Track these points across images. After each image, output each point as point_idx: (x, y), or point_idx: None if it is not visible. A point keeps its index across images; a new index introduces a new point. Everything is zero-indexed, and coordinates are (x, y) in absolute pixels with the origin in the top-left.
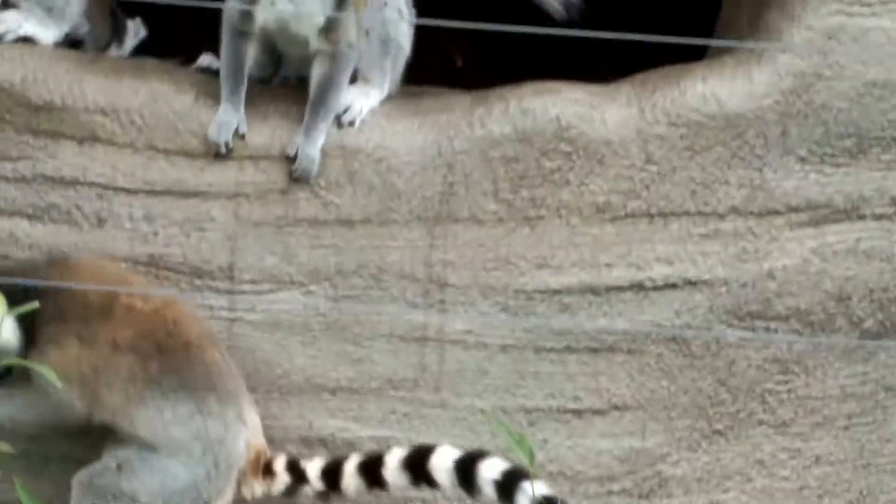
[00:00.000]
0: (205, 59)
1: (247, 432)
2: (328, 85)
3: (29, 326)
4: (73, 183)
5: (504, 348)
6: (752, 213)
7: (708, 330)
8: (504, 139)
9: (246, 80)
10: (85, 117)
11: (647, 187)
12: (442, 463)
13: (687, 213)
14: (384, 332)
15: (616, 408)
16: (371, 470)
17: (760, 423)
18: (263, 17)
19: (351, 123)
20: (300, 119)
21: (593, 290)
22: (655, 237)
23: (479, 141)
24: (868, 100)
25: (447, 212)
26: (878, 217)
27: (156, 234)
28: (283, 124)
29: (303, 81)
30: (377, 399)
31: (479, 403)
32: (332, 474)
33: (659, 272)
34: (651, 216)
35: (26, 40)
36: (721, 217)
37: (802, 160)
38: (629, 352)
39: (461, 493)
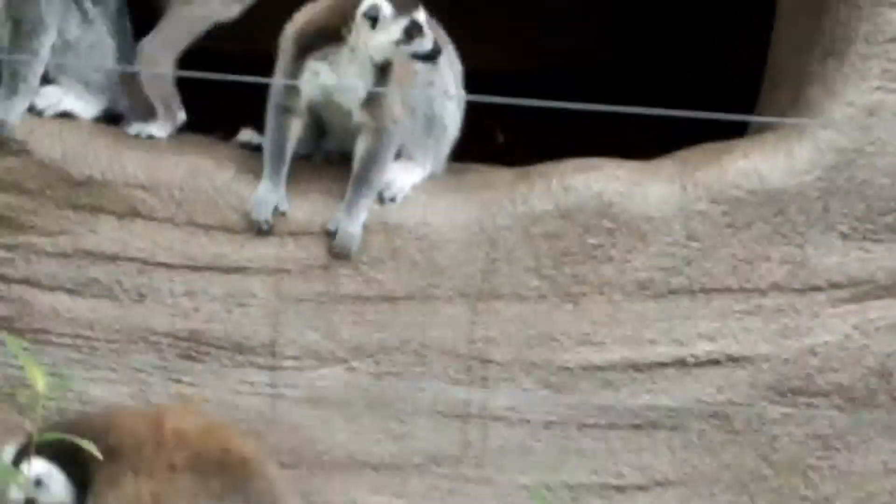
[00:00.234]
0: (245, 134)
1: None
2: (371, 161)
3: (82, 477)
4: (114, 258)
5: (547, 425)
6: (793, 289)
7: (750, 406)
8: (546, 216)
9: (289, 157)
10: (125, 192)
11: (690, 263)
12: None
13: (729, 289)
14: (427, 409)
15: (659, 484)
16: None
17: (803, 498)
18: (308, 89)
19: (393, 199)
20: (341, 195)
21: (636, 367)
22: (698, 313)
23: (522, 217)
24: None
25: (489, 288)
26: None
27: (197, 309)
28: (325, 200)
29: (345, 157)
30: (420, 475)
31: (522, 480)
32: None
33: (701, 348)
34: (693, 292)
35: (66, 115)
36: (763, 293)
37: (844, 236)
38: (672, 428)
39: None
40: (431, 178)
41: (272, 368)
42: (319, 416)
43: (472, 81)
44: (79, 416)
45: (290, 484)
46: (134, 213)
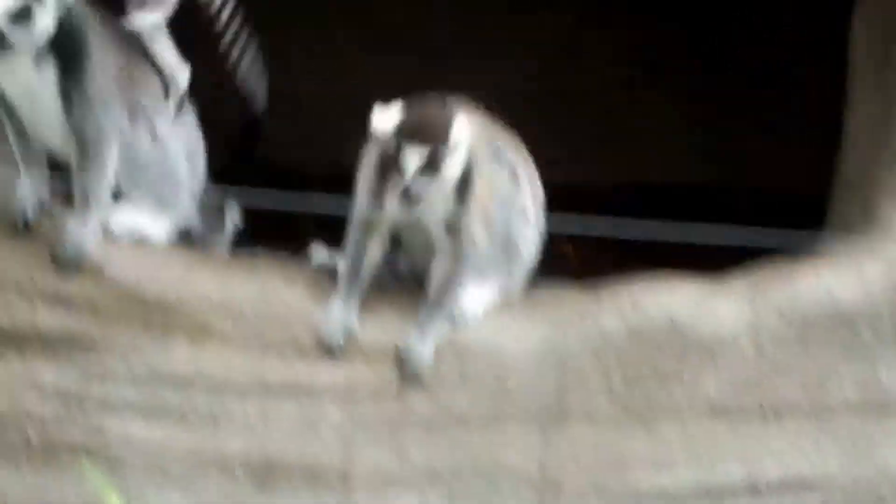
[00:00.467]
0: (317, 252)
1: None
2: (447, 283)
3: None
4: (187, 380)
5: None
6: (865, 409)
7: None
8: (617, 335)
9: (364, 278)
10: (197, 313)
11: (760, 383)
12: None
13: (800, 408)
14: None
15: None
16: None
17: None
18: (390, 210)
19: (464, 321)
20: (414, 316)
21: (708, 491)
22: (769, 434)
23: (592, 336)
24: None
25: (560, 409)
26: None
27: (269, 432)
28: (397, 321)
29: (419, 278)
30: None
31: None
32: None
33: (773, 470)
34: (764, 412)
35: (139, 236)
36: (835, 413)
37: None
38: None
39: None
40: (504, 299)
41: (344, 492)
42: None
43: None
44: None
45: None
46: (207, 335)
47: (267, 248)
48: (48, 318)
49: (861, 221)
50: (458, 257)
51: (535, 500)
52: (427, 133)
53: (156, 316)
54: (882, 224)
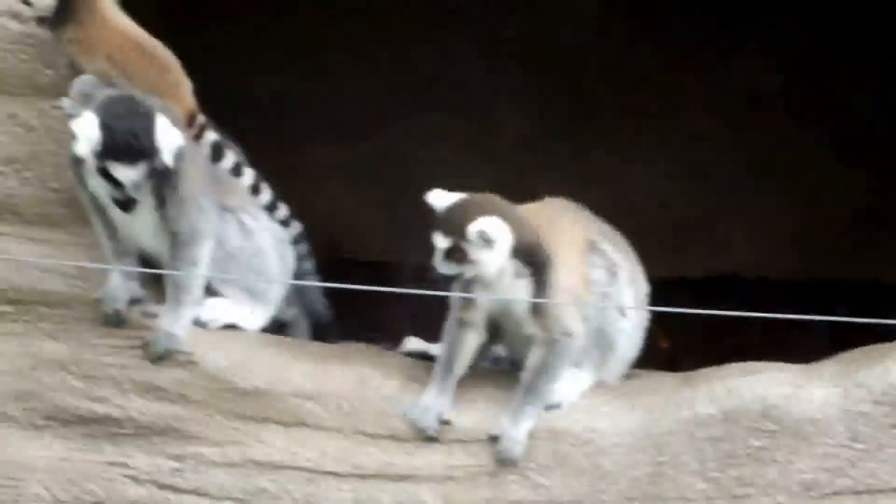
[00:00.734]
0: (411, 343)
1: None
2: (542, 370)
3: None
4: (282, 467)
5: None
6: None
7: None
8: (710, 419)
9: (460, 368)
10: (292, 402)
11: (854, 465)
12: None
13: (894, 490)
14: None
15: None
16: None
17: None
18: (485, 299)
19: (559, 406)
20: (508, 403)
21: None
22: None
23: (686, 421)
24: None
25: (655, 492)
26: None
27: None
28: (492, 408)
29: (515, 365)
30: None
31: None
32: None
33: None
34: (858, 494)
35: (232, 326)
36: None
37: None
38: None
39: None
40: (600, 386)
41: None
42: None
43: None
44: None
45: None
46: (301, 423)
47: (362, 339)
48: (142, 408)
49: None
50: (550, 345)
51: None
52: (449, 226)
53: (250, 404)
54: None
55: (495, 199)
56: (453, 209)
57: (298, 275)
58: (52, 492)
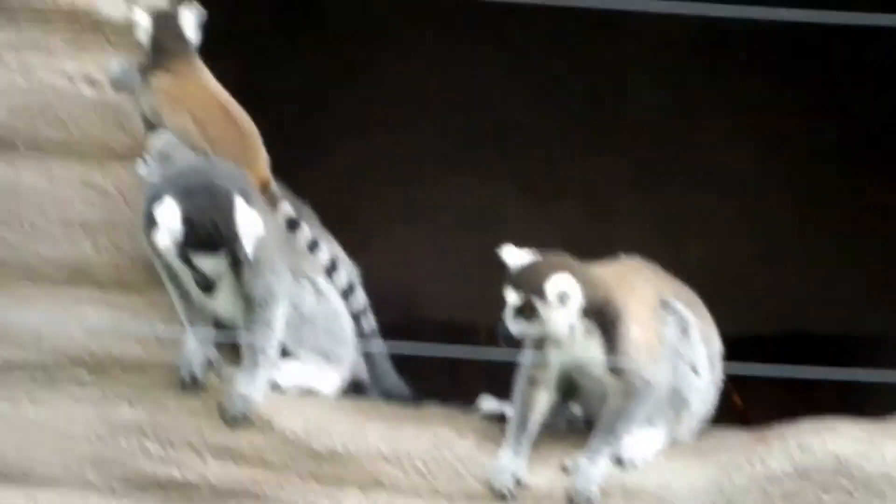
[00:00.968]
0: (485, 402)
1: None
2: (618, 413)
3: None
4: None
5: None
6: None
7: None
8: (783, 476)
9: (533, 427)
10: (368, 464)
11: None
12: None
13: None
14: None
15: None
16: None
17: None
18: (556, 357)
19: (632, 464)
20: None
21: None
22: None
23: (759, 478)
24: None
25: None
26: None
27: None
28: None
29: (589, 424)
30: None
31: None
32: None
33: None
34: None
35: (307, 389)
36: None
37: None
38: None
39: None
40: (672, 442)
41: None
42: None
43: None
44: None
45: None
46: (378, 485)
47: (436, 400)
48: (219, 471)
49: None
50: (627, 394)
51: None
52: (521, 282)
53: (326, 467)
54: None
55: (566, 257)
56: (526, 266)
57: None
58: None
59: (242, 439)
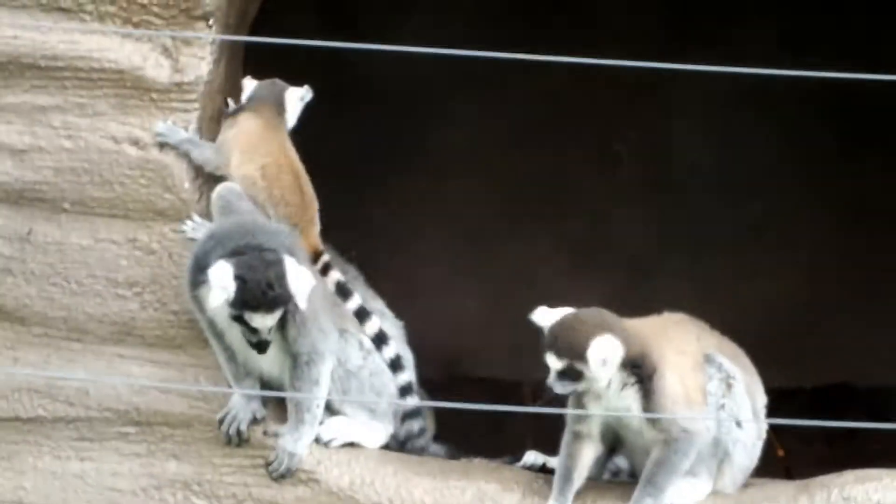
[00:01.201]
0: (530, 457)
1: None
2: (661, 464)
3: None
4: None
5: None
6: None
7: None
8: None
9: (577, 480)
10: None
11: None
12: None
13: None
14: None
15: None
16: None
17: None
18: (596, 409)
19: None
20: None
21: None
22: None
23: None
24: None
25: None
26: None
27: None
28: None
29: (634, 477)
30: None
31: None
32: None
33: None
34: None
35: (352, 444)
36: None
37: None
38: None
39: None
40: (716, 493)
41: None
42: None
43: None
44: None
45: None
46: None
47: (483, 455)
48: None
49: None
50: (670, 443)
51: None
52: (563, 348)
53: None
54: None
55: (602, 314)
56: (564, 330)
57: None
58: None
59: (288, 494)
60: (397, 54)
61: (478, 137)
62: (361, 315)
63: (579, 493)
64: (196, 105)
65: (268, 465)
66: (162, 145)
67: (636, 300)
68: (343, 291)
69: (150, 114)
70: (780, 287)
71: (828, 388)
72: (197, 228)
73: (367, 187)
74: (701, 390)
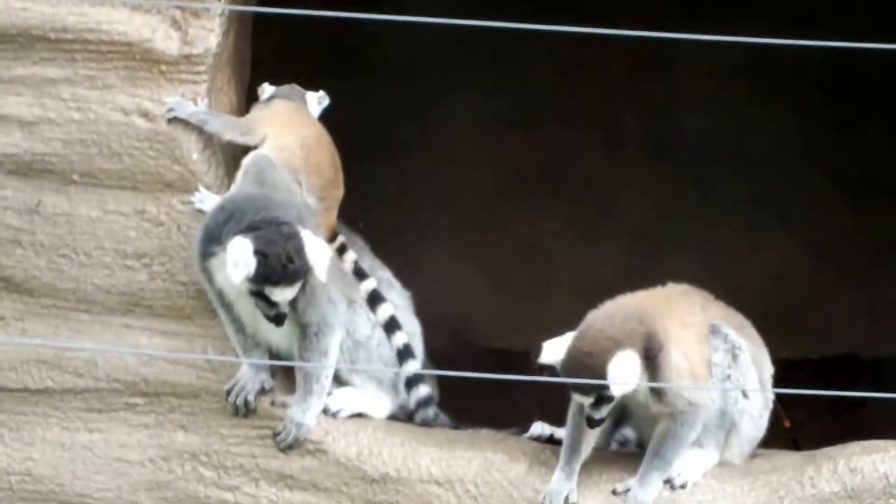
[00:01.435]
0: (537, 427)
1: None
2: (668, 437)
3: None
4: None
5: None
6: None
7: None
8: (834, 497)
9: (584, 451)
10: (420, 488)
11: None
12: None
13: None
14: None
15: None
16: None
17: None
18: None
19: (683, 486)
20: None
21: None
22: None
23: (809, 500)
24: None
25: None
26: None
27: None
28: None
29: (642, 447)
30: None
31: None
32: None
33: None
34: None
35: (360, 415)
36: None
37: None
38: None
39: None
40: (723, 464)
41: None
42: None
43: None
44: None
45: None
46: None
47: (489, 425)
48: (272, 496)
49: None
50: (676, 416)
51: None
52: (587, 386)
53: (379, 491)
54: None
55: (604, 324)
56: (577, 367)
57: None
58: None
59: (296, 465)
60: (402, 29)
61: (486, 110)
62: (374, 299)
63: (586, 464)
64: (205, 77)
65: (275, 435)
66: (171, 119)
67: (642, 272)
68: (359, 273)
69: (160, 86)
70: (787, 258)
71: (834, 358)
72: (204, 200)
73: (372, 162)
74: (705, 363)
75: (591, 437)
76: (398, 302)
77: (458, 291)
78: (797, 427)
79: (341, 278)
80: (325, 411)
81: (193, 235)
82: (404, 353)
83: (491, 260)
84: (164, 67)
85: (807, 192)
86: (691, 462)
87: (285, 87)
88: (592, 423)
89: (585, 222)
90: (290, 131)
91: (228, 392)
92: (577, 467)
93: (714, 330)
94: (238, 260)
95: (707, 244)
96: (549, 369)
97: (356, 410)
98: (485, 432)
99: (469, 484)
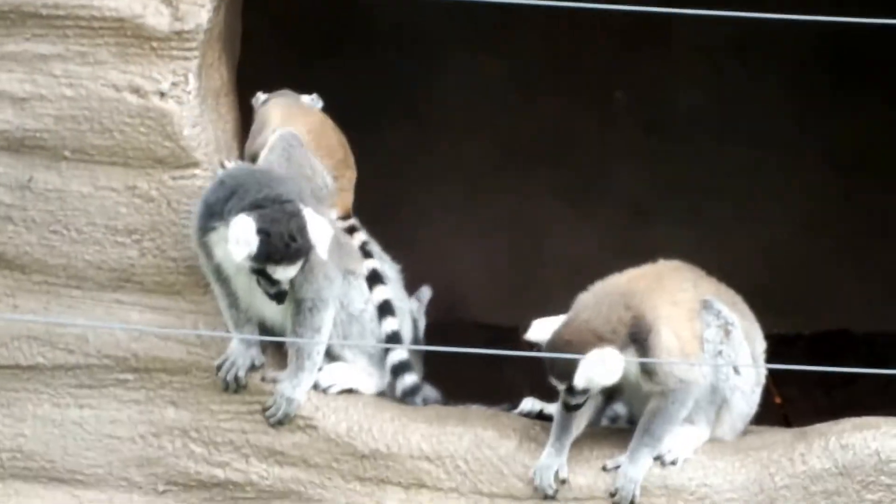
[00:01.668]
0: (527, 403)
1: None
2: (658, 413)
3: None
4: None
5: None
6: None
7: None
8: (825, 474)
9: (575, 427)
10: (410, 464)
11: None
12: None
13: None
14: None
15: None
16: None
17: None
18: None
19: (674, 463)
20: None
21: None
22: None
23: (801, 476)
24: None
25: None
26: None
27: None
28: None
29: (633, 423)
30: None
31: None
32: None
33: None
34: None
35: (351, 391)
36: None
37: None
38: None
39: None
40: (714, 441)
41: None
42: None
43: None
44: None
45: None
46: (420, 485)
47: (480, 401)
48: (262, 472)
49: None
50: (665, 395)
51: None
52: (563, 374)
53: (369, 467)
54: None
55: (591, 314)
56: (556, 352)
57: None
58: None
59: (286, 440)
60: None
61: (478, 84)
62: (373, 279)
63: (576, 440)
64: (196, 53)
65: (265, 410)
66: (163, 94)
67: (635, 247)
68: (366, 253)
69: (151, 62)
70: (779, 233)
71: (826, 334)
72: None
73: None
74: (696, 339)
75: (583, 415)
76: (389, 274)
77: (450, 266)
78: (789, 403)
79: (339, 249)
80: (316, 387)
81: (184, 211)
82: (392, 340)
83: (482, 235)
84: (155, 44)
85: (800, 168)
86: (682, 438)
87: (277, 92)
88: (568, 407)
89: (578, 197)
90: (295, 121)
91: (219, 368)
92: (568, 443)
93: (706, 305)
94: (240, 238)
95: (699, 219)
96: (537, 346)
97: (347, 386)
98: (475, 408)
99: (459, 460)
